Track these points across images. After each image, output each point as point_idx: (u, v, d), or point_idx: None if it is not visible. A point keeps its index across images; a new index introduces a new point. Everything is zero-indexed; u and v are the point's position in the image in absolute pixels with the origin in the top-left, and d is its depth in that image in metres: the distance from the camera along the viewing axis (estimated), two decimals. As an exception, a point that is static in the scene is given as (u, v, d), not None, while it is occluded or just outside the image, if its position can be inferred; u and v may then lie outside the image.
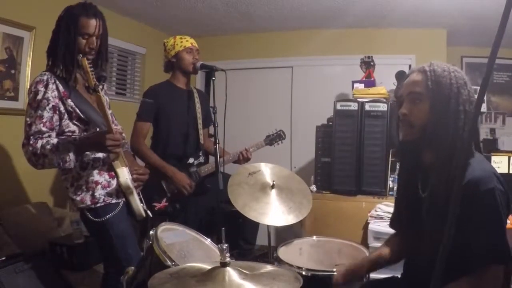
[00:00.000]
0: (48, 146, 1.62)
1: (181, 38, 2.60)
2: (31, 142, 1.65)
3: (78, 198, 1.76)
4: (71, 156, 1.64)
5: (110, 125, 1.64)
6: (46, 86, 1.69)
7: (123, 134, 2.08)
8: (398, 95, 2.75)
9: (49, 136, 1.68)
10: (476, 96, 1.25)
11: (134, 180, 1.86)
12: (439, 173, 1.21)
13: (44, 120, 1.67)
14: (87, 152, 1.75)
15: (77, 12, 1.72)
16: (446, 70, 1.24)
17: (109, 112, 1.99)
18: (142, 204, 1.87)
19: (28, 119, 1.69)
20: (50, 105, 1.68)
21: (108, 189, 1.81)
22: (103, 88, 1.95)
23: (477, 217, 1.09)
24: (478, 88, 0.75)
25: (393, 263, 1.52)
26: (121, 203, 1.83)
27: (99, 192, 1.78)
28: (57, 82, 1.72)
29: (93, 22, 1.74)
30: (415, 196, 1.33)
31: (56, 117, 1.71)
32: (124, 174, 1.74)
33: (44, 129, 1.67)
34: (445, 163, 1.19)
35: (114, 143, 1.64)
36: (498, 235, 1.11)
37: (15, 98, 2.76)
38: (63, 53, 1.71)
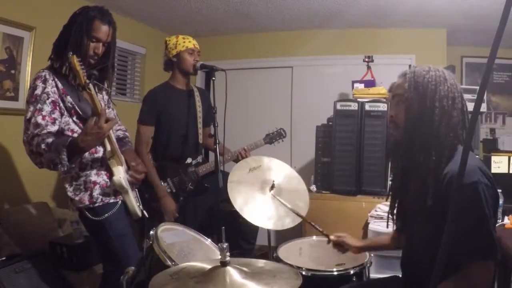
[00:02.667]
0: (43, 145, 1.61)
1: (183, 38, 2.59)
2: (28, 140, 1.64)
3: (77, 198, 1.76)
4: (63, 159, 1.57)
5: (98, 111, 1.62)
6: (44, 82, 1.68)
7: (127, 133, 2.08)
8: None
9: (48, 131, 1.65)
10: (458, 90, 1.25)
11: (130, 175, 1.85)
12: (415, 169, 1.23)
13: (43, 113, 1.65)
14: (86, 153, 1.73)
15: (92, 15, 1.73)
16: (425, 70, 1.27)
17: (110, 111, 2.00)
18: (138, 204, 1.87)
19: (28, 113, 1.67)
20: (50, 100, 1.67)
21: (106, 189, 1.80)
22: (108, 91, 1.95)
23: (460, 212, 1.07)
24: (478, 88, 0.75)
25: (391, 249, 1.59)
26: (119, 202, 1.83)
27: (97, 192, 1.78)
28: (56, 79, 1.71)
29: (105, 29, 1.76)
30: (406, 196, 1.34)
31: (57, 112, 1.69)
32: (119, 173, 1.75)
33: (42, 122, 1.64)
34: (420, 158, 1.21)
35: (107, 125, 1.60)
36: (481, 230, 1.08)
37: (15, 98, 2.75)
38: (71, 51, 1.70)
